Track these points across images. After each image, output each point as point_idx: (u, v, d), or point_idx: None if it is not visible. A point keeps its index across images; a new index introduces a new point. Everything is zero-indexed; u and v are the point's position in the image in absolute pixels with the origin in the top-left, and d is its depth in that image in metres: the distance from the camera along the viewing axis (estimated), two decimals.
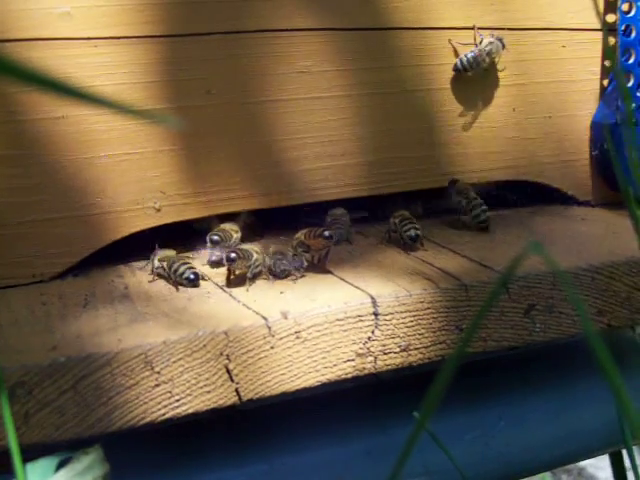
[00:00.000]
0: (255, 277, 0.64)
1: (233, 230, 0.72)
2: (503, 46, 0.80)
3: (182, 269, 0.65)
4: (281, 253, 0.66)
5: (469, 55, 0.78)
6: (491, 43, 0.79)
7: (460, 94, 0.81)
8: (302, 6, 0.73)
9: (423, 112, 0.80)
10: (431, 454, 0.66)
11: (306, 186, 0.76)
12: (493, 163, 0.83)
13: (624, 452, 0.91)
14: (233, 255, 0.63)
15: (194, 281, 0.64)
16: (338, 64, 0.75)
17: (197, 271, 0.65)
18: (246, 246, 0.67)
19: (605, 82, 0.85)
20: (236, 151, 0.72)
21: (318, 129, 0.75)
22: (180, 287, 0.64)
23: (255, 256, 0.64)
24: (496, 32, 0.80)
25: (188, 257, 0.70)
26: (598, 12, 0.85)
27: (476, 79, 0.80)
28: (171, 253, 0.69)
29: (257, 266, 0.64)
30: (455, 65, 0.79)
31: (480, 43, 0.79)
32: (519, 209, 0.86)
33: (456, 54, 0.79)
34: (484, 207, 0.77)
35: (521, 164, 0.84)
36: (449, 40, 0.79)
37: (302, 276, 0.65)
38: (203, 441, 0.64)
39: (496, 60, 0.80)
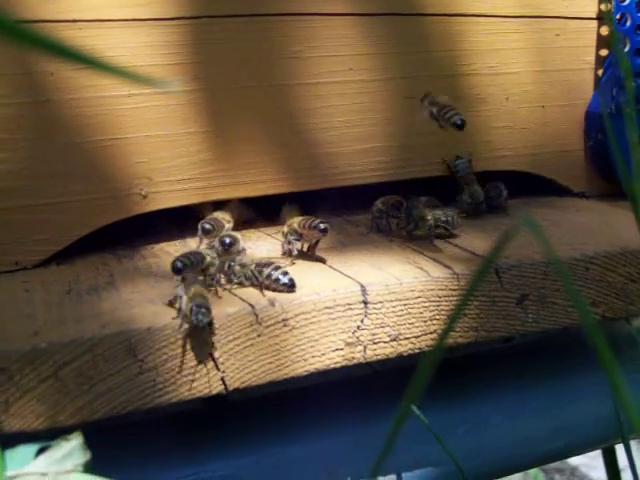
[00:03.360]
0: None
1: (225, 219, 0.71)
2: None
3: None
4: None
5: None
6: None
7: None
8: None
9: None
10: (422, 447, 0.65)
11: (295, 174, 0.74)
12: (486, 153, 0.82)
13: (617, 450, 0.91)
14: (228, 240, 0.62)
15: None
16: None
17: None
18: (234, 233, 0.65)
19: (600, 72, 0.84)
20: (229, 137, 0.71)
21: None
22: (165, 274, 0.62)
23: (242, 243, 0.63)
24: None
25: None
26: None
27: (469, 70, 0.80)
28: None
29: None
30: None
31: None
32: (512, 200, 0.85)
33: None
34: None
35: (514, 154, 0.83)
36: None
37: (292, 264, 0.64)
38: (191, 433, 0.63)
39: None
